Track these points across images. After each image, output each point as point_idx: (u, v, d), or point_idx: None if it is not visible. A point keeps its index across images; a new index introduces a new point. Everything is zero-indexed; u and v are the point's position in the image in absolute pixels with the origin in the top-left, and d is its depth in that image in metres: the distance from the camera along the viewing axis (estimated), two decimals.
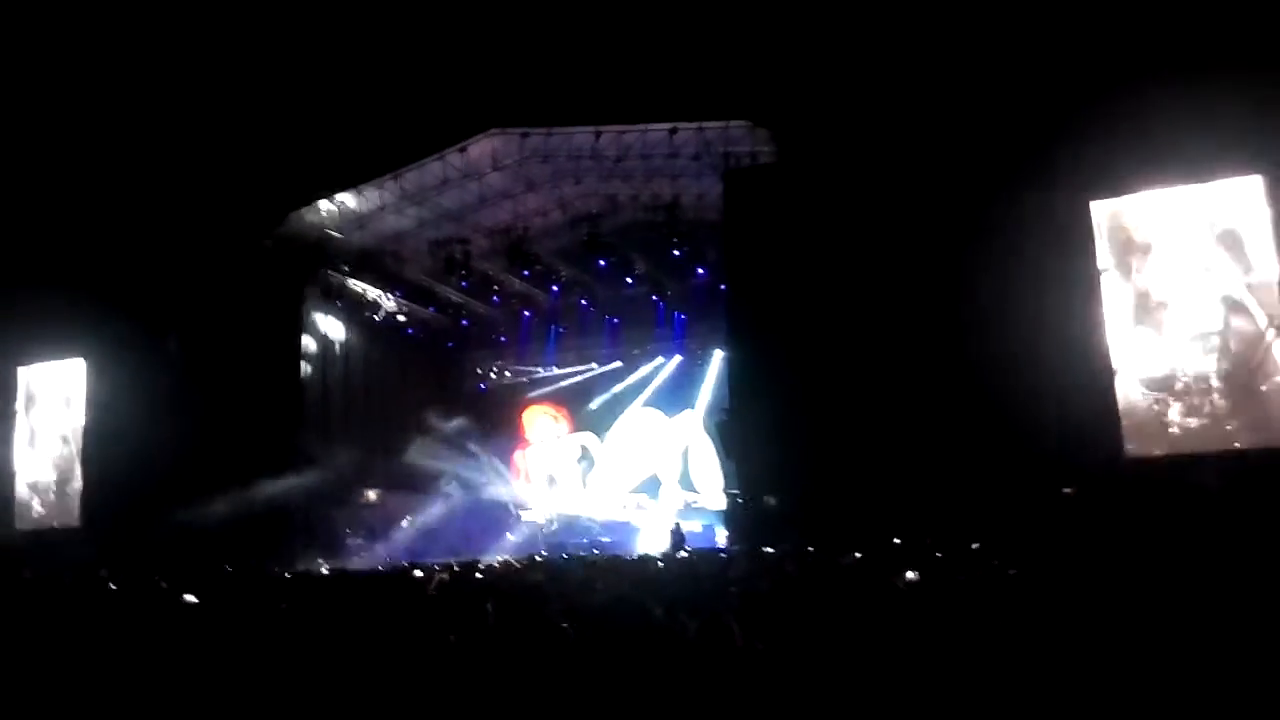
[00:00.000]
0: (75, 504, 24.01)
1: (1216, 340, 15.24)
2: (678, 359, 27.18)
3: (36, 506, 24.79)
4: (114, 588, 9.64)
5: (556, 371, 29.20)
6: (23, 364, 25.33)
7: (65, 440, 24.63)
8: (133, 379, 22.70)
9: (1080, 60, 15.36)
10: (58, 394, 24.95)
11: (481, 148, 21.20)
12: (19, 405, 25.37)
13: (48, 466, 24.80)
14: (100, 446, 23.61)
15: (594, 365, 28.63)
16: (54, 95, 19.73)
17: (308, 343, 24.13)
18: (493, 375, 29.86)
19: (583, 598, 5.77)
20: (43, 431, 25.06)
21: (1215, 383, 15.20)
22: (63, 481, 24.48)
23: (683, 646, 3.58)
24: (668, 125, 19.48)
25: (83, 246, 22.02)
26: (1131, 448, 15.49)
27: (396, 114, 19.68)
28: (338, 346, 25.32)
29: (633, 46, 18.36)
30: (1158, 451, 15.40)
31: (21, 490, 24.96)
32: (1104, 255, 16.09)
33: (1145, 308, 15.82)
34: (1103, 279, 16.03)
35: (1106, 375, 15.68)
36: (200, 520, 20.37)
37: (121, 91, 19.83)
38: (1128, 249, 16.04)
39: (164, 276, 22.28)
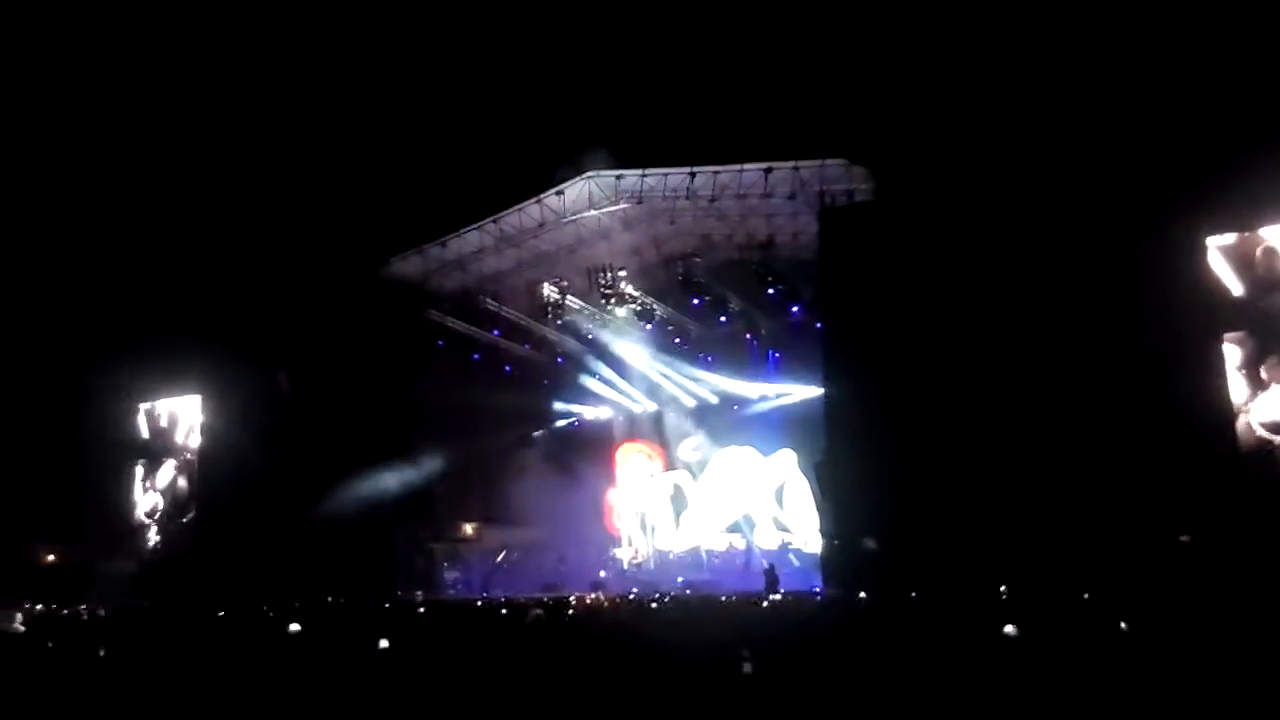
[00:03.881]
0: (190, 533, 25.06)
1: None
2: (774, 397, 26.89)
3: (153, 535, 25.97)
4: (222, 616, 10.00)
5: (651, 408, 29.25)
6: (143, 400, 26.72)
7: (181, 472, 25.80)
8: (245, 414, 23.72)
9: (1192, 93, 14.83)
10: (174, 428, 26.20)
11: (578, 190, 21.55)
12: (138, 440, 26.73)
13: (164, 498, 26.00)
14: (214, 478, 24.64)
15: (690, 402, 28.59)
16: (169, 155, 20.95)
17: (410, 380, 24.75)
18: (581, 410, 30.02)
19: (673, 639, 5.74)
20: (160, 464, 26.31)
21: None
22: (178, 512, 25.60)
23: (771, 698, 3.52)
24: (763, 165, 19.48)
25: (198, 289, 23.19)
26: (1253, 493, 14.64)
27: (497, 160, 20.24)
28: (438, 384, 25.88)
29: (728, 87, 18.52)
30: None
31: (140, 520, 26.21)
32: (1225, 292, 15.35)
33: (1272, 347, 15.01)
34: (1224, 316, 15.28)
35: (1227, 418, 14.91)
36: (307, 551, 21.04)
37: (229, 147, 20.95)
38: (1249, 285, 15.28)
39: (276, 318, 23.24)
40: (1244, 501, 14.53)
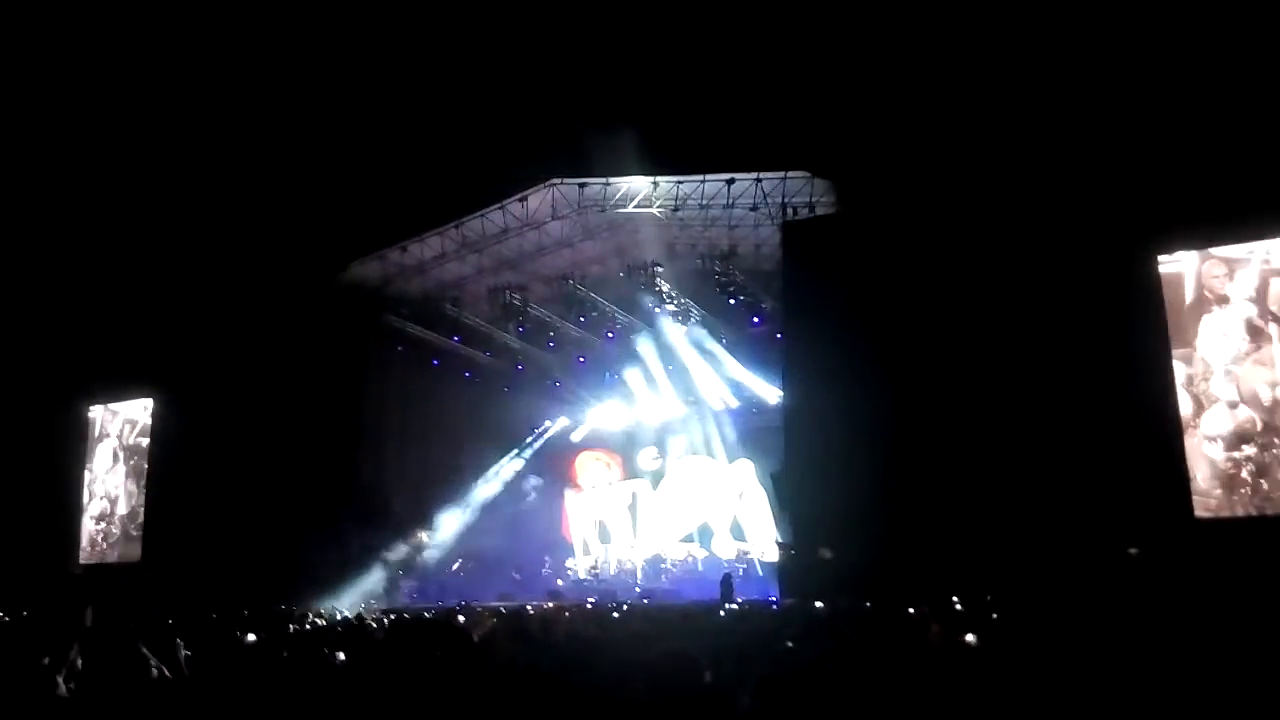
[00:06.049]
0: (139, 540, 24.55)
1: None
2: (733, 406, 27.03)
3: (100, 542, 25.41)
4: (170, 624, 9.80)
5: (610, 417, 29.23)
6: (94, 403, 26.14)
7: (131, 477, 25.27)
8: (199, 418, 23.29)
9: (1147, 111, 15.19)
10: (126, 432, 25.66)
11: (541, 198, 21.53)
12: (88, 443, 26.14)
13: (113, 503, 25.44)
14: (166, 484, 24.17)
15: (650, 410, 28.60)
16: (124, 146, 20.56)
17: (368, 386, 24.54)
18: (547, 421, 29.97)
19: (632, 649, 5.72)
20: (110, 469, 25.75)
21: None
22: (128, 518, 25.07)
23: (733, 710, 3.53)
24: (725, 176, 19.59)
25: (152, 289, 22.78)
26: (1201, 508, 14.99)
27: (460, 165, 20.14)
28: (397, 390, 25.68)
29: (692, 97, 18.60)
30: (1230, 513, 14.88)
31: (87, 525, 25.62)
32: (1173, 309, 15.73)
33: (1218, 363, 15.40)
34: (1172, 333, 15.66)
35: (1175, 432, 15.25)
36: (260, 559, 20.73)
37: (187, 143, 20.62)
38: (1199, 303, 15.68)
39: (231, 321, 22.91)
40: (1194, 517, 14.88)
